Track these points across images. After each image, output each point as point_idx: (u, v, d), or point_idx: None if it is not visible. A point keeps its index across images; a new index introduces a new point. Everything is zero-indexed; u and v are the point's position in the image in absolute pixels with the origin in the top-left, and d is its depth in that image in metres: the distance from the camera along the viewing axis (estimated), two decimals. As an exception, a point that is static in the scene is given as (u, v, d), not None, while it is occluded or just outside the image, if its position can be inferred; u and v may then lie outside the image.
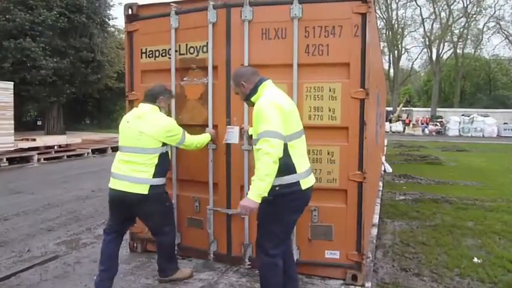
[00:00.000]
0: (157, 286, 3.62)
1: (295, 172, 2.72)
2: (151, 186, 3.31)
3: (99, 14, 22.41)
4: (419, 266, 4.18)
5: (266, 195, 2.59)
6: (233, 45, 3.74)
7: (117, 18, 28.44)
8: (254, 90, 2.88)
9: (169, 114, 3.89)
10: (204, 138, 3.74)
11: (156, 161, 3.34)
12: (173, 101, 3.98)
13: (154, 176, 3.34)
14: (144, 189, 3.29)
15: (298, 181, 2.73)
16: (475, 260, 4.34)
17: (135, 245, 4.40)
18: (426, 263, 4.26)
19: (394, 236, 5.20)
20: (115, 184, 3.36)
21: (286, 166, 2.67)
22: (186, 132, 3.56)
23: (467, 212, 6.43)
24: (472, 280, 3.87)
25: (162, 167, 3.42)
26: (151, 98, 3.51)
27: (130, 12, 4.18)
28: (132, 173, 3.31)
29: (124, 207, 3.40)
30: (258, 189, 2.56)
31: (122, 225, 3.56)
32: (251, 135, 3.31)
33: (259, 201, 2.58)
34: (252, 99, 2.89)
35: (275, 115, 2.62)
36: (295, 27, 3.53)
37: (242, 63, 3.62)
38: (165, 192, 3.59)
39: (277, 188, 2.68)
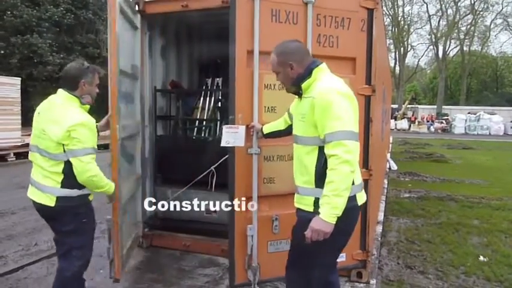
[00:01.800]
0: (163, 281, 3.65)
1: (353, 183, 2.11)
2: (58, 198, 2.60)
3: (106, 10, 22.43)
4: (425, 264, 4.17)
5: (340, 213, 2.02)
6: (239, 26, 3.11)
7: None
8: (307, 74, 2.24)
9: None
10: (108, 181, 2.74)
11: (60, 169, 2.59)
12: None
13: (63, 185, 2.60)
14: (50, 201, 2.61)
15: (355, 195, 2.17)
16: (481, 258, 4.32)
17: (140, 240, 4.43)
18: (431, 261, 4.25)
19: (399, 233, 5.19)
20: (29, 191, 2.74)
21: None
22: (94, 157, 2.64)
23: (473, 210, 6.40)
24: (478, 278, 3.86)
25: (74, 176, 2.58)
26: (69, 82, 2.68)
27: (137, 8, 4.19)
28: (41, 179, 2.64)
29: (43, 218, 2.79)
30: (334, 207, 1.99)
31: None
32: (267, 133, 2.90)
33: (334, 223, 2.02)
34: (304, 85, 2.24)
35: (348, 109, 2.09)
36: (310, 13, 3.16)
37: (250, 48, 3.08)
38: (83, 207, 2.73)
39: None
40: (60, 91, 2.69)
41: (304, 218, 2.15)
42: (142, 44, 4.29)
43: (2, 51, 18.46)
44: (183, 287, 3.57)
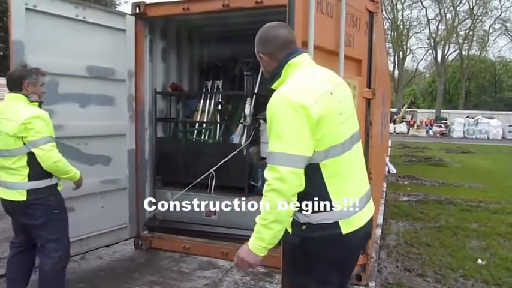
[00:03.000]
0: (162, 283, 3.65)
1: (331, 208, 1.72)
2: (28, 191, 2.76)
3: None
4: (423, 267, 4.18)
5: (271, 247, 1.70)
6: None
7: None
8: (278, 72, 1.82)
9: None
10: (72, 168, 2.92)
11: (24, 162, 2.75)
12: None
13: (30, 178, 2.77)
14: (21, 196, 2.76)
15: (337, 222, 1.73)
16: (479, 261, 4.34)
17: (139, 242, 4.44)
18: (430, 264, 4.27)
19: (398, 236, 5.21)
20: None
21: (316, 199, 1.73)
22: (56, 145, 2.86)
23: (472, 214, 6.41)
24: (476, 282, 3.87)
25: (39, 167, 2.76)
26: (14, 84, 2.84)
27: (138, 10, 4.21)
28: (7, 178, 2.80)
29: (13, 217, 2.96)
30: (260, 239, 1.67)
31: (25, 237, 3.00)
32: None
33: (263, 254, 1.71)
34: (274, 86, 1.83)
35: (292, 124, 1.63)
36: (343, 7, 2.94)
37: (304, 39, 2.59)
38: (53, 197, 2.88)
39: (303, 228, 1.77)
40: (7, 95, 2.86)
41: (286, 239, 1.83)
42: (141, 46, 4.32)
43: (1, 53, 18.44)
44: (183, 289, 3.58)
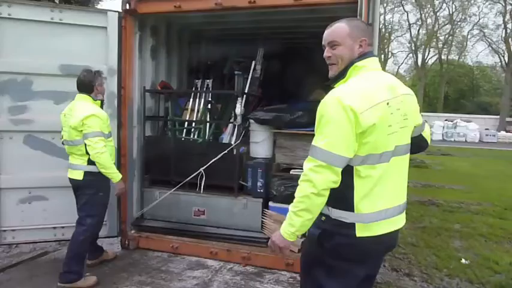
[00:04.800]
0: (151, 283, 3.60)
1: (352, 210, 1.77)
2: (85, 172, 3.45)
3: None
4: (410, 267, 4.25)
5: (299, 233, 1.80)
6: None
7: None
8: (343, 72, 1.86)
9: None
10: (115, 169, 3.54)
11: (83, 150, 3.43)
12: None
13: (88, 163, 3.44)
14: (79, 175, 3.47)
15: (353, 224, 1.77)
16: (463, 261, 4.43)
17: (126, 242, 4.37)
18: (416, 264, 4.34)
19: (384, 236, 5.26)
20: (68, 173, 3.59)
21: (341, 196, 1.78)
22: (107, 142, 3.49)
23: (454, 215, 6.55)
24: (461, 281, 3.95)
25: None
26: (85, 87, 3.51)
27: (128, 7, 4.15)
28: (73, 161, 3.52)
29: (74, 193, 3.59)
30: (290, 225, 1.77)
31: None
32: None
33: (293, 240, 1.81)
34: (336, 85, 1.87)
35: (339, 125, 1.68)
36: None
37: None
38: (103, 182, 3.51)
39: (323, 219, 1.84)
40: (77, 95, 3.52)
41: (309, 230, 1.89)
42: (130, 43, 4.26)
43: None
44: (172, 289, 3.54)
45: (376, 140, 1.71)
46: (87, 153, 3.40)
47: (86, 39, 4.11)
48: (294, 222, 1.76)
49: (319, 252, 1.86)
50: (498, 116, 36.58)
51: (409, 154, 1.92)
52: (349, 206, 1.77)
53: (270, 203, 4.24)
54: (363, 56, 1.84)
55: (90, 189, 3.46)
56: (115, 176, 3.51)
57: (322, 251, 1.85)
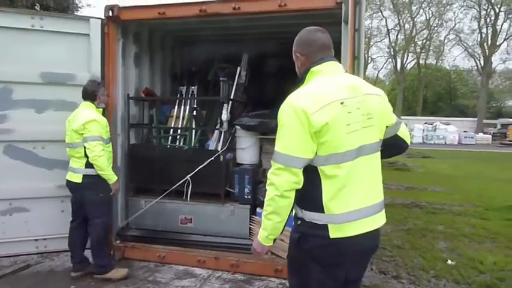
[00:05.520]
0: (139, 294, 3.53)
1: (323, 211, 1.77)
2: (83, 175, 3.64)
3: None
4: (397, 269, 4.28)
5: (273, 237, 1.86)
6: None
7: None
8: (302, 77, 1.96)
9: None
10: (111, 171, 3.74)
11: (82, 153, 3.63)
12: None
13: (86, 166, 3.64)
14: (78, 178, 3.66)
15: (326, 225, 1.77)
16: (449, 262, 4.50)
17: (111, 252, 4.27)
18: (403, 266, 4.38)
19: (370, 240, 5.30)
20: (67, 175, 3.79)
21: (310, 198, 1.80)
22: (106, 147, 3.68)
23: (437, 216, 6.66)
24: (448, 282, 4.01)
25: None
26: (89, 96, 3.74)
27: (111, 14, 4.10)
28: (73, 164, 3.72)
29: (73, 195, 3.79)
30: (263, 229, 1.85)
31: (79, 213, 3.81)
32: None
33: (269, 244, 1.88)
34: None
35: (292, 128, 1.74)
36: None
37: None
38: (101, 183, 3.69)
39: (299, 223, 1.87)
40: (82, 103, 3.75)
41: (290, 234, 1.95)
42: (113, 50, 4.21)
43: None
44: (161, 299, 3.48)
45: (334, 139, 1.73)
46: (86, 156, 3.60)
47: (68, 47, 4.06)
48: (266, 226, 1.83)
49: (300, 255, 1.88)
50: (476, 119, 37.51)
51: (379, 153, 1.92)
52: (319, 207, 1.77)
53: (258, 209, 4.22)
54: (319, 61, 1.90)
55: (90, 191, 3.65)
56: (111, 177, 3.70)
57: (302, 254, 1.86)
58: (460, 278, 4.07)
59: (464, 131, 33.13)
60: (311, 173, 1.77)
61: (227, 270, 3.98)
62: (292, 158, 1.73)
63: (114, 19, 4.11)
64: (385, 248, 4.95)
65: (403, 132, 2.05)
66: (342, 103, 1.76)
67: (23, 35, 3.91)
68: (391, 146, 2.00)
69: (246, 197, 4.27)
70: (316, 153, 1.75)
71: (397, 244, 5.11)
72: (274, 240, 1.89)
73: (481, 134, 32.32)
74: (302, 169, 1.75)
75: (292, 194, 1.76)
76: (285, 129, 1.76)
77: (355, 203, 1.80)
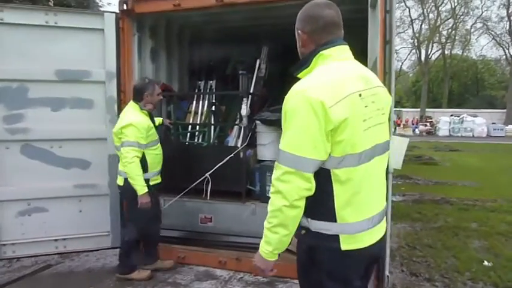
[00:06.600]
0: (157, 297, 3.42)
1: (334, 220, 1.53)
2: (125, 179, 3.53)
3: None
4: (429, 271, 4.03)
5: (279, 252, 1.59)
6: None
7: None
8: (307, 60, 1.64)
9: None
10: (142, 182, 3.46)
11: None
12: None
13: None
14: (121, 181, 3.61)
15: (337, 236, 1.54)
16: (485, 263, 4.21)
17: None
18: (436, 267, 4.12)
19: (399, 238, 5.05)
20: None
21: (320, 205, 1.54)
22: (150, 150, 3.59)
23: (470, 213, 6.32)
24: (485, 284, 3.74)
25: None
26: (136, 95, 3.62)
27: (125, 7, 3.97)
28: (119, 167, 3.64)
29: (120, 197, 3.83)
30: (267, 242, 1.56)
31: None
32: None
33: (274, 259, 1.60)
34: (300, 75, 1.65)
35: (306, 123, 1.44)
36: None
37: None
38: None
39: (303, 232, 1.62)
40: (130, 101, 3.67)
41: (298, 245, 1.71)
42: (129, 45, 4.09)
43: None
44: (180, 303, 3.36)
45: (352, 137, 1.47)
46: None
47: (83, 43, 3.94)
48: (270, 240, 1.54)
49: (302, 265, 1.68)
50: (505, 110, 36.17)
51: (388, 152, 1.71)
52: (330, 216, 1.53)
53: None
54: (330, 43, 1.60)
55: (129, 195, 3.56)
56: (139, 188, 3.46)
57: (305, 264, 1.66)
58: (499, 280, 3.79)
59: (493, 123, 31.99)
60: (321, 177, 1.50)
61: (249, 272, 3.82)
62: (304, 160, 1.44)
63: (128, 13, 3.99)
64: (415, 247, 4.70)
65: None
66: (360, 95, 1.50)
67: (37, 32, 3.81)
68: None
69: (267, 195, 4.08)
70: (330, 154, 1.48)
71: (428, 243, 4.84)
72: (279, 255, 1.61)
73: (510, 126, 31.08)
74: (313, 174, 1.48)
75: (303, 203, 1.49)
76: (295, 123, 1.45)
77: (368, 210, 1.58)
